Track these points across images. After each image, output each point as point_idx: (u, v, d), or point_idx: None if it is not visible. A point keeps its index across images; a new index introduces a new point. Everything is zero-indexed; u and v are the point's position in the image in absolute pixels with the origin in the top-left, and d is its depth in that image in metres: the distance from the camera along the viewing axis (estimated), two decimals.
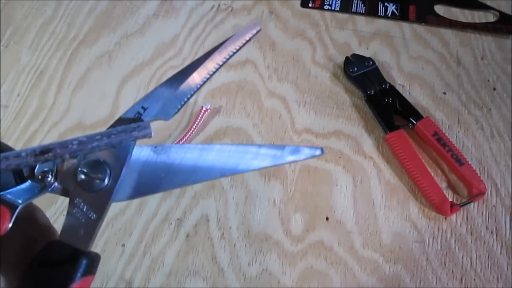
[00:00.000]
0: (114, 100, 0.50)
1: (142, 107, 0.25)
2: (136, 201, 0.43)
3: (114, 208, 0.43)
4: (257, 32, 0.27)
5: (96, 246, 0.41)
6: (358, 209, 0.42)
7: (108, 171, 0.23)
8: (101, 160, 0.24)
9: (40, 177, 0.23)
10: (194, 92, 0.26)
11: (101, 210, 0.23)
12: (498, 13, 0.54)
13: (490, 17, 0.54)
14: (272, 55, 0.52)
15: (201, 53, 0.53)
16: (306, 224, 0.42)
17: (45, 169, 0.23)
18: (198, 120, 0.46)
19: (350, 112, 0.48)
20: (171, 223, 0.42)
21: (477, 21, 0.54)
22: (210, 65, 0.26)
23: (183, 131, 0.46)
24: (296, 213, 0.42)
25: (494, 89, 0.49)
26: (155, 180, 0.25)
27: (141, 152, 0.25)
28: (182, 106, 0.25)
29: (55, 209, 0.43)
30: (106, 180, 0.23)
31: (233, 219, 0.42)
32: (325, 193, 0.43)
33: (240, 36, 0.26)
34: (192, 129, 0.46)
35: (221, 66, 0.26)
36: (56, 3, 0.58)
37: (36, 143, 0.47)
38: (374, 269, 0.39)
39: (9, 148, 0.23)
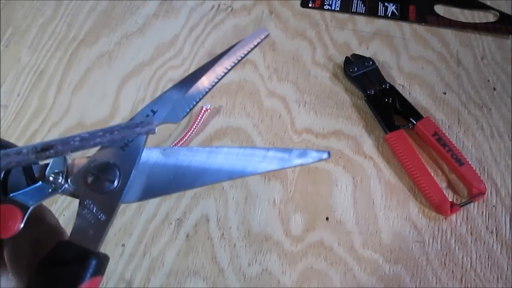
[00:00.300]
0: (114, 100, 0.50)
1: (152, 110, 0.25)
2: None
3: None
4: (265, 38, 0.27)
5: None
6: (358, 209, 0.42)
7: (118, 173, 0.24)
8: (111, 162, 0.24)
9: (50, 178, 0.23)
10: (203, 96, 0.26)
11: (110, 212, 0.23)
12: (498, 13, 0.54)
13: (490, 17, 0.54)
14: (272, 55, 0.52)
15: (201, 53, 0.53)
16: (306, 224, 0.42)
17: (56, 170, 0.23)
18: (198, 120, 0.46)
19: (350, 112, 0.48)
20: (171, 223, 0.42)
21: (477, 21, 0.54)
22: (218, 70, 0.26)
23: (183, 131, 0.46)
24: (296, 213, 0.42)
25: (494, 89, 0.49)
26: (164, 183, 0.25)
27: (150, 154, 0.25)
28: (191, 109, 0.26)
29: (55, 209, 0.43)
30: (116, 182, 0.24)
31: (233, 219, 0.42)
32: (325, 193, 0.43)
33: (248, 41, 0.27)
34: (192, 129, 0.46)
35: (229, 70, 0.27)
36: (56, 3, 0.58)
37: None
38: (374, 269, 0.39)
39: (11, 145, 0.24)
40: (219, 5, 0.57)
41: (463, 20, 0.54)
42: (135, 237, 0.41)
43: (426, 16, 0.54)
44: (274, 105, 0.49)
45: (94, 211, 0.23)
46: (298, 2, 0.57)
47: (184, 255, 0.41)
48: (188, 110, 0.26)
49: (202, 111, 0.47)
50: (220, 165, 0.25)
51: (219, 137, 0.46)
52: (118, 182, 0.24)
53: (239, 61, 0.27)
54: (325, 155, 0.25)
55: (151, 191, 0.25)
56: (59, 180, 0.23)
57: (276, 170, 0.25)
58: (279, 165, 0.25)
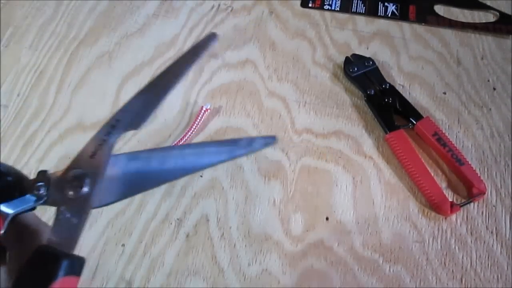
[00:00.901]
0: (114, 100, 0.50)
1: (116, 120, 0.27)
2: (136, 201, 0.43)
3: (114, 208, 0.43)
4: (215, 40, 0.29)
5: (96, 246, 0.41)
6: (358, 209, 0.42)
7: (88, 181, 0.26)
8: (82, 171, 0.26)
9: (35, 191, 0.26)
10: (160, 103, 0.28)
11: (82, 216, 0.25)
12: (498, 13, 0.54)
13: (490, 17, 0.54)
14: (272, 55, 0.52)
15: None
16: (306, 224, 0.42)
17: (40, 183, 0.26)
18: (198, 120, 0.46)
19: (350, 112, 0.48)
20: (171, 223, 0.42)
21: (477, 21, 0.54)
22: (174, 77, 0.28)
23: (183, 131, 0.46)
24: (296, 213, 0.42)
25: (494, 89, 0.49)
26: (130, 185, 0.27)
27: (116, 161, 0.27)
28: (150, 116, 0.28)
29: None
30: (87, 189, 0.26)
31: (233, 219, 0.42)
32: (325, 193, 0.43)
33: (199, 48, 0.29)
34: (192, 129, 0.46)
35: (183, 77, 0.28)
36: (56, 3, 0.58)
37: (36, 143, 0.47)
38: (374, 269, 0.39)
39: (14, 170, 0.26)
40: (219, 5, 0.57)
41: (463, 20, 0.54)
42: (135, 237, 0.41)
43: (426, 16, 0.54)
44: (274, 105, 0.49)
45: (68, 216, 0.25)
46: (298, 2, 0.57)
47: (184, 255, 0.40)
48: (147, 117, 0.27)
49: (202, 111, 0.47)
50: (175, 163, 0.28)
51: (219, 137, 0.46)
52: (88, 189, 0.26)
53: (192, 67, 0.29)
54: (271, 140, 0.27)
55: (119, 194, 0.27)
56: (41, 192, 0.26)
57: (227, 160, 0.28)
58: (230, 155, 0.28)
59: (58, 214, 0.25)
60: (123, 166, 0.28)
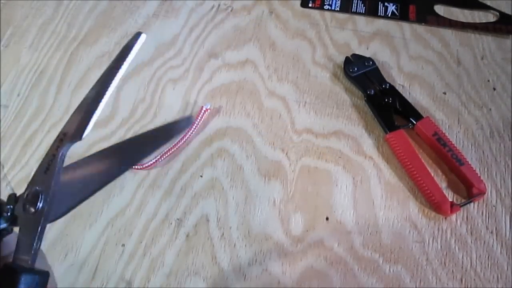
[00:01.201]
0: (114, 100, 0.50)
1: (63, 133, 0.28)
2: (136, 201, 0.43)
3: (114, 208, 0.43)
4: (142, 40, 0.29)
5: (96, 246, 0.41)
6: (358, 209, 0.42)
7: (43, 196, 0.27)
8: (38, 188, 0.27)
9: (5, 213, 0.27)
10: (98, 111, 0.29)
11: (38, 231, 0.26)
12: (498, 13, 0.54)
13: (490, 17, 0.54)
14: (272, 55, 0.52)
15: (201, 53, 0.53)
16: (306, 224, 0.42)
17: (8, 206, 0.27)
18: (198, 120, 0.46)
19: (350, 112, 0.48)
20: (171, 223, 0.42)
21: (477, 21, 0.54)
22: (109, 82, 0.29)
23: (183, 131, 0.46)
24: (296, 213, 0.42)
25: (494, 89, 0.49)
26: (77, 195, 0.29)
27: (66, 172, 0.29)
28: (89, 125, 0.28)
29: None
30: (42, 204, 0.27)
31: (233, 219, 0.42)
32: (325, 193, 0.43)
33: (126, 50, 0.29)
34: (192, 129, 0.46)
35: (115, 81, 0.29)
36: (56, 3, 0.58)
37: (36, 143, 0.47)
38: (374, 269, 0.39)
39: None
40: (219, 5, 0.57)
41: (463, 20, 0.54)
42: (135, 237, 0.41)
43: (426, 16, 0.54)
44: (274, 105, 0.49)
45: (27, 233, 0.26)
46: (298, 2, 0.57)
47: (184, 255, 0.40)
48: (88, 126, 0.28)
49: (202, 111, 0.47)
50: (112, 164, 0.30)
51: (219, 137, 0.46)
52: (43, 204, 0.27)
53: (125, 68, 0.29)
54: (188, 121, 0.32)
55: (70, 203, 0.29)
56: (9, 214, 0.27)
57: (155, 151, 0.31)
58: (155, 146, 0.30)
59: (19, 231, 0.26)
60: (70, 177, 0.29)
